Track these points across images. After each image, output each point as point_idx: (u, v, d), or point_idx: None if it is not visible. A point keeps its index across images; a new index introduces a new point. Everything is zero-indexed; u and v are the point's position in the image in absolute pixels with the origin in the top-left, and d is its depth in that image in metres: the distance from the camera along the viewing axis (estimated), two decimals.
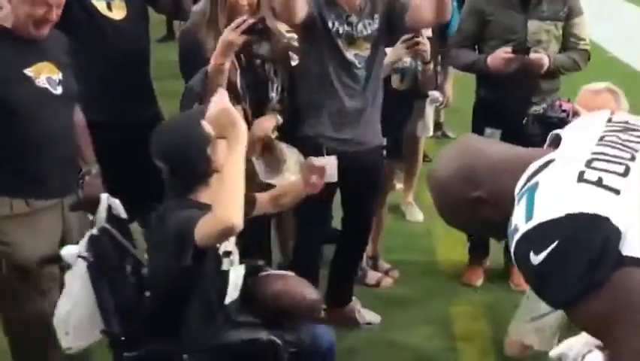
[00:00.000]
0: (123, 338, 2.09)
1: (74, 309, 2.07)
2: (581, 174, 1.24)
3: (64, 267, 2.21)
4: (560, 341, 2.04)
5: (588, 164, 1.26)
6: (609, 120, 1.41)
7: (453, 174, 1.44)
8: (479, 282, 3.60)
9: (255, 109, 2.75)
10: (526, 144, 1.55)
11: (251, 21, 2.52)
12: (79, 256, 2.09)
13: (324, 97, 2.89)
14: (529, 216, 1.24)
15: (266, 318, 2.23)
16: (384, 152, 3.22)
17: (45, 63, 2.39)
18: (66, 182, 2.46)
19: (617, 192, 1.21)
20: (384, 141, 3.15)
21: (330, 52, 2.85)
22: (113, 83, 2.86)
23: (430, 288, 3.59)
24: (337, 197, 3.12)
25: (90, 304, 2.09)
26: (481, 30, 3.31)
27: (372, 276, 3.60)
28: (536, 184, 1.28)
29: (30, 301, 2.32)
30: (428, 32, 3.60)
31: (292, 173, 2.79)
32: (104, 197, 2.23)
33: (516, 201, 1.29)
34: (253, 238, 2.82)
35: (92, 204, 2.25)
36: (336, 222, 3.42)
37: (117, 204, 2.24)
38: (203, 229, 1.88)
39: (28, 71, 2.33)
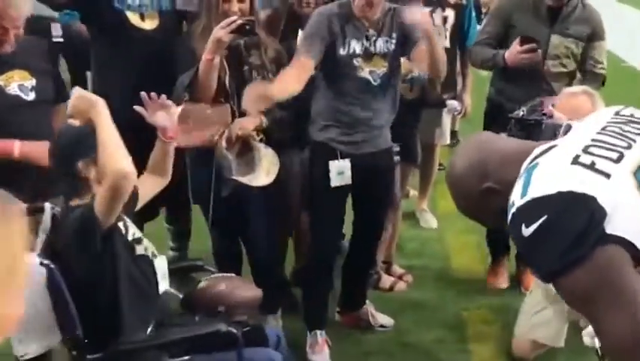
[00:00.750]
0: (86, 341, 2.07)
1: (31, 315, 1.96)
2: (576, 157, 1.33)
3: None
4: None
5: (585, 149, 1.35)
6: (617, 113, 1.50)
7: (466, 167, 1.55)
8: (504, 284, 3.62)
9: (241, 113, 2.80)
10: None
11: (240, 21, 2.64)
12: (41, 264, 2.00)
13: (336, 109, 2.93)
14: (524, 193, 1.33)
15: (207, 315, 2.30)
16: (397, 157, 3.28)
17: (16, 71, 2.50)
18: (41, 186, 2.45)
19: (607, 175, 1.29)
20: (394, 145, 3.18)
21: (346, 71, 2.88)
22: (141, 88, 2.95)
23: (442, 292, 3.65)
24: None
25: (42, 309, 2.01)
26: (504, 33, 3.33)
27: (386, 280, 3.66)
28: (535, 165, 1.38)
29: None
30: (446, 43, 3.69)
31: (266, 173, 2.86)
32: (48, 206, 2.19)
33: (517, 181, 1.38)
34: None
35: None
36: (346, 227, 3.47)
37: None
38: (99, 199, 1.94)
39: (1, 81, 2.45)
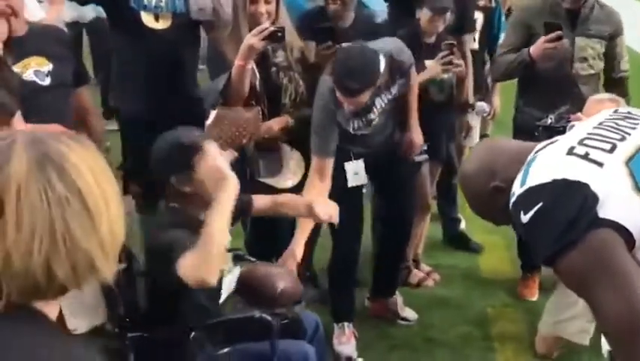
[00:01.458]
0: (127, 320, 2.17)
1: (78, 292, 2.14)
2: (571, 148, 1.41)
3: None
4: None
5: (580, 141, 1.43)
6: (615, 111, 1.58)
7: (476, 168, 1.64)
8: (535, 297, 3.57)
9: (269, 112, 2.91)
10: None
11: (272, 29, 2.72)
12: None
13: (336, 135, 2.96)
14: (523, 183, 1.42)
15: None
16: (425, 156, 3.37)
17: (33, 57, 2.62)
18: None
19: (600, 165, 1.36)
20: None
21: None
22: (151, 84, 3.11)
23: (469, 290, 3.70)
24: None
25: (93, 288, 2.18)
26: (526, 44, 3.31)
27: (415, 275, 3.73)
28: (535, 158, 1.46)
29: None
30: (475, 45, 3.75)
31: (292, 174, 2.93)
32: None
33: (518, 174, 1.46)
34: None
35: None
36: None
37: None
38: (184, 270, 1.95)
39: (16, 68, 2.56)
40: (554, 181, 1.36)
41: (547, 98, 3.22)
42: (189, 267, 1.95)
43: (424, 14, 3.34)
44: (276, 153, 2.96)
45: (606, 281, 1.29)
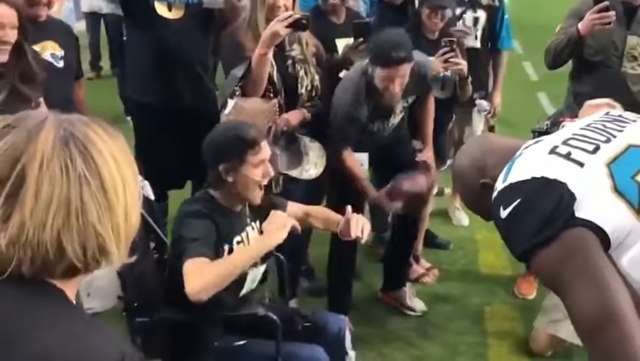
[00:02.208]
0: (136, 305, 2.24)
1: (95, 275, 2.21)
2: (554, 148, 1.43)
3: None
4: None
5: (565, 141, 1.45)
6: (607, 114, 1.59)
7: (468, 163, 1.66)
8: (532, 295, 3.57)
9: (286, 105, 2.94)
10: None
11: (297, 16, 2.73)
12: None
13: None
14: (504, 179, 1.44)
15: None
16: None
17: (48, 42, 2.86)
18: None
19: (581, 164, 1.38)
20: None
21: (366, 133, 3.08)
22: (163, 72, 3.20)
23: (467, 287, 3.72)
24: None
25: (110, 270, 2.18)
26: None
27: (415, 271, 3.76)
28: (520, 155, 1.48)
29: None
30: (476, 44, 3.75)
31: (312, 166, 2.96)
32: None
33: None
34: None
35: None
36: None
37: (147, 186, 2.44)
38: (185, 275, 2.04)
39: (36, 47, 2.74)
40: (533, 179, 1.38)
41: (596, 96, 3.20)
42: (190, 273, 2.03)
43: (423, 11, 3.38)
44: (295, 144, 2.99)
45: (579, 279, 1.31)
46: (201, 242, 2.12)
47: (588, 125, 1.52)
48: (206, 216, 2.19)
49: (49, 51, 2.88)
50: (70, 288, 0.99)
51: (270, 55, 2.76)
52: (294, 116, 2.96)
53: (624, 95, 3.16)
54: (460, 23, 3.64)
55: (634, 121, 1.54)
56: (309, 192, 3.11)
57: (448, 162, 3.92)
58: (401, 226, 3.44)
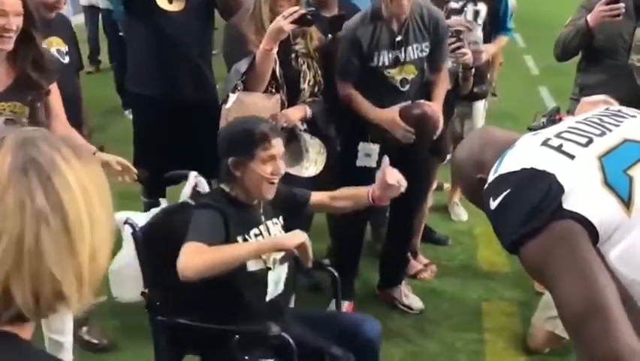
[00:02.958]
0: (158, 303, 2.23)
1: (126, 265, 2.25)
2: (546, 140, 1.42)
3: None
4: None
5: (558, 134, 1.44)
6: (607, 109, 1.58)
7: (466, 156, 1.65)
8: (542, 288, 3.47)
9: (288, 99, 2.92)
10: None
11: (303, 11, 2.70)
12: (125, 223, 2.24)
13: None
14: (496, 170, 1.42)
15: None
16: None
17: (54, 38, 2.84)
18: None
19: (572, 157, 1.36)
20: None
21: (375, 79, 3.02)
22: (164, 64, 3.20)
23: (465, 283, 3.71)
24: None
25: (137, 265, 2.27)
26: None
27: (413, 267, 3.75)
28: (512, 146, 1.46)
29: None
30: (479, 36, 3.70)
31: (312, 163, 2.94)
32: (192, 174, 2.43)
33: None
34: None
35: None
36: None
37: (203, 183, 2.45)
38: (181, 254, 2.02)
39: (44, 44, 2.67)
40: (523, 170, 1.38)
41: (602, 89, 3.17)
42: (187, 252, 2.01)
43: None
44: (295, 141, 2.97)
45: (566, 270, 1.30)
46: (205, 229, 2.10)
47: (585, 119, 1.50)
48: (213, 208, 2.17)
49: (55, 47, 2.87)
50: (24, 329, 0.86)
51: (275, 50, 2.73)
52: (295, 113, 2.92)
53: (630, 87, 3.16)
54: (461, 17, 3.59)
55: (632, 116, 1.52)
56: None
57: (448, 157, 3.89)
58: (396, 222, 3.41)
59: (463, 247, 4.07)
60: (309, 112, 2.97)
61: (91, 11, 7.11)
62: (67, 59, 2.92)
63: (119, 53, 5.59)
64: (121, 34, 5.36)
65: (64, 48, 2.91)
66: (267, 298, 2.26)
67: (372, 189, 2.42)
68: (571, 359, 3.00)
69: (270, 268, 2.23)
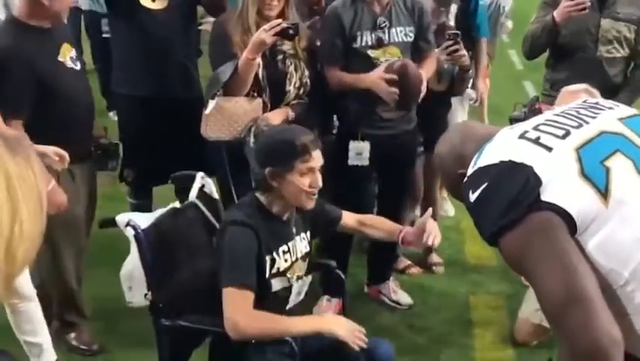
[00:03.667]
0: (161, 306, 2.21)
1: (135, 269, 2.22)
2: (524, 132, 1.44)
3: None
4: None
5: (535, 127, 1.45)
6: (584, 101, 1.59)
7: (447, 152, 1.67)
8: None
9: (272, 101, 2.91)
10: None
11: (284, 25, 2.71)
12: (127, 225, 2.20)
13: (354, 96, 3.08)
14: (475, 163, 1.44)
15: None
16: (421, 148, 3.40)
17: (65, 45, 2.75)
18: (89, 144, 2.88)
19: (549, 149, 1.38)
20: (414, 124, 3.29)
21: (360, 62, 3.03)
22: (150, 64, 3.20)
23: (453, 277, 3.74)
24: None
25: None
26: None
27: (401, 262, 3.77)
28: (491, 140, 1.48)
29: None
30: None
31: None
32: (199, 175, 2.42)
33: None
34: None
35: None
36: None
37: (210, 184, 2.43)
38: (228, 303, 2.06)
39: (59, 58, 2.69)
40: (501, 162, 1.39)
41: (573, 82, 3.21)
42: (235, 305, 2.05)
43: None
44: None
45: (544, 261, 1.31)
46: (242, 264, 2.09)
47: (562, 112, 1.52)
48: (247, 225, 2.13)
49: (69, 55, 2.77)
50: None
51: (258, 60, 2.75)
52: (276, 116, 2.90)
53: (601, 79, 3.20)
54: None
55: (610, 108, 1.54)
56: None
57: None
58: (386, 214, 3.40)
59: (450, 242, 4.09)
60: (291, 114, 2.95)
61: (73, 13, 7.06)
62: (78, 65, 2.82)
63: (103, 54, 5.55)
64: (104, 35, 5.33)
65: (74, 53, 2.81)
66: (287, 307, 2.27)
67: (405, 232, 2.41)
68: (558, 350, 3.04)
69: (292, 285, 2.25)
